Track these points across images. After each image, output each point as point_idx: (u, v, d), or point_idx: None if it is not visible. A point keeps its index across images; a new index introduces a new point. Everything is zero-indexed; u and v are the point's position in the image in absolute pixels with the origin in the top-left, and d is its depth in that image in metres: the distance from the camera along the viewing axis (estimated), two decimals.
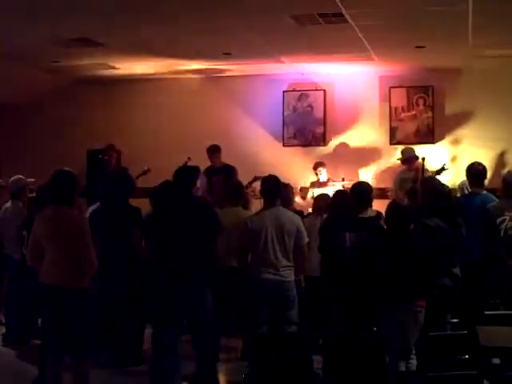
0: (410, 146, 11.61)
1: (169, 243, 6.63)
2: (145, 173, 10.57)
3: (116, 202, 7.99)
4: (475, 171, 8.04)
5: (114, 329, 7.81)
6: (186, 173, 6.96)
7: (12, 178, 9.01)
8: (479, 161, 8.32)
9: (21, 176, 8.97)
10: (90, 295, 6.34)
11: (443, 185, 7.74)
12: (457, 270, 6.87)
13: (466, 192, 8.95)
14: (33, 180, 8.90)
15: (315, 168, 11.72)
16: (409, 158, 11.13)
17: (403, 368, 6.26)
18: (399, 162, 11.35)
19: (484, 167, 8.08)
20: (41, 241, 6.30)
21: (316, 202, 8.81)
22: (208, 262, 6.68)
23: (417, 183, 9.68)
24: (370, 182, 11.71)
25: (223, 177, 11.07)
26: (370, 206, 7.41)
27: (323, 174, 11.63)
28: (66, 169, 6.90)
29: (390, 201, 7.07)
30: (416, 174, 10.42)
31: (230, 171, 11.26)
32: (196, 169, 7.17)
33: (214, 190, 11.06)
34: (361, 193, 7.30)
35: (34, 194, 8.70)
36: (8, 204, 8.98)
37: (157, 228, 6.83)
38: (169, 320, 6.56)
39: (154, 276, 6.77)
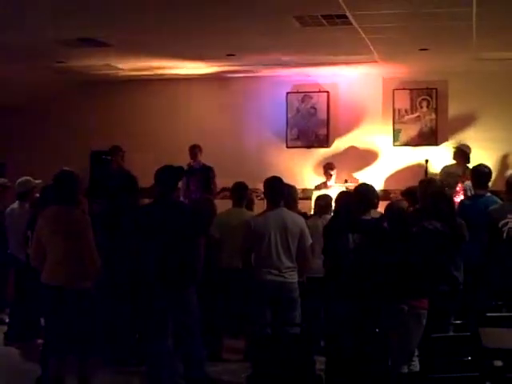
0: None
1: (147, 247, 6.54)
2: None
3: (119, 203, 8.00)
4: (480, 173, 8.03)
5: (116, 328, 7.81)
6: (167, 174, 6.74)
7: (20, 180, 8.98)
8: (484, 163, 8.32)
9: (29, 178, 8.96)
10: (93, 295, 6.35)
11: (444, 187, 7.75)
12: (458, 273, 6.86)
13: (469, 194, 8.94)
14: (40, 181, 8.86)
15: (328, 168, 11.66)
16: (458, 152, 10.79)
17: (405, 370, 6.27)
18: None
19: (489, 169, 8.06)
20: (43, 241, 6.31)
21: (317, 203, 8.81)
22: (190, 265, 6.53)
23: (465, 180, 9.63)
24: (374, 184, 11.76)
25: (200, 177, 11.19)
26: (375, 207, 7.40)
27: (334, 176, 11.61)
28: (68, 169, 6.91)
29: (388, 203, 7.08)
30: (463, 169, 10.28)
31: (207, 172, 11.34)
32: (179, 169, 7.04)
33: (191, 189, 11.15)
34: (364, 194, 7.29)
35: (37, 195, 8.69)
36: (15, 205, 8.98)
37: (134, 231, 6.71)
38: (155, 324, 6.51)
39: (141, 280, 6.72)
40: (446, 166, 10.83)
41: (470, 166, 10.59)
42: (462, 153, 10.73)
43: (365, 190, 7.40)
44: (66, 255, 6.20)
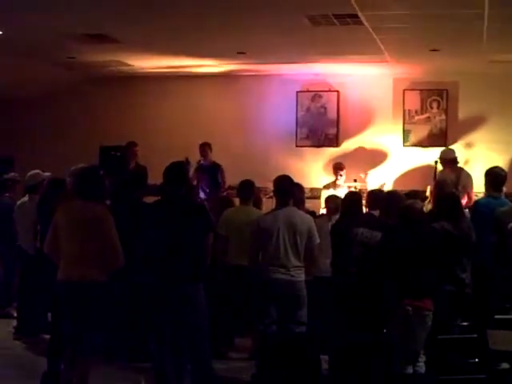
0: (443, 148, 11.31)
1: (157, 243, 6.51)
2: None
3: (127, 199, 8.01)
4: (496, 175, 7.99)
5: (125, 325, 7.82)
6: (175, 170, 6.68)
7: (30, 173, 8.99)
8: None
9: (38, 171, 8.96)
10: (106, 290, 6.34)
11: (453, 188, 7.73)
12: (465, 275, 6.85)
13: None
14: (49, 174, 8.86)
15: (337, 169, 11.62)
16: (449, 160, 10.57)
17: (410, 371, 6.26)
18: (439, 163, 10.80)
19: (506, 173, 8.01)
20: (60, 234, 6.26)
21: (327, 204, 8.81)
22: (197, 262, 6.54)
23: (458, 186, 9.61)
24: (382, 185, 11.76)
25: (210, 174, 11.22)
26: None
27: (343, 176, 11.57)
28: (94, 165, 6.87)
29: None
30: (457, 176, 10.22)
31: (217, 169, 11.37)
32: (184, 165, 7.05)
33: (200, 187, 11.19)
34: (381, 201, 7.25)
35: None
36: (25, 198, 8.97)
37: (145, 227, 6.69)
38: (165, 321, 6.50)
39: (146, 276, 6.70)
40: (442, 174, 10.48)
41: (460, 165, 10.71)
42: (445, 160, 10.60)
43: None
44: (82, 250, 6.15)
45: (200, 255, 6.44)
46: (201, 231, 6.48)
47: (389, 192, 7.57)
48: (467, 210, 8.23)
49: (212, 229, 6.75)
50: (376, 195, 7.80)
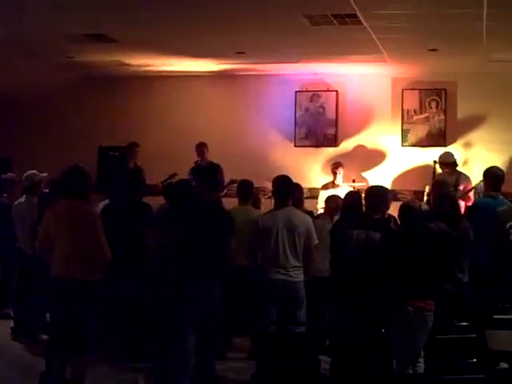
0: (447, 149, 11.43)
1: (182, 243, 6.54)
2: (172, 177, 10.39)
3: (127, 199, 8.01)
4: (494, 175, 7.98)
5: (124, 325, 7.82)
6: (212, 174, 6.87)
7: (26, 173, 8.98)
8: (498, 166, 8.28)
9: (35, 171, 8.96)
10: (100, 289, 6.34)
11: (450, 188, 7.72)
12: (463, 276, 6.85)
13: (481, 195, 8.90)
14: (46, 174, 8.86)
15: (336, 167, 11.61)
16: (448, 164, 10.67)
17: (410, 371, 6.25)
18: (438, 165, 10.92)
19: (503, 172, 8.02)
20: (51, 234, 6.29)
21: (327, 204, 8.79)
22: (220, 263, 6.58)
23: (458, 187, 9.63)
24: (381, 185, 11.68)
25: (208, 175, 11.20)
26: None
27: (341, 175, 11.57)
28: (81, 164, 6.91)
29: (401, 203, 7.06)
30: (456, 178, 10.26)
31: (215, 169, 11.34)
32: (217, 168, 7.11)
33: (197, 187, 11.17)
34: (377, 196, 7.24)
35: (46, 190, 8.67)
36: (22, 199, 8.96)
37: (172, 227, 6.72)
38: (180, 322, 6.48)
39: (163, 276, 6.69)
40: (442, 176, 10.58)
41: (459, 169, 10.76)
42: (444, 162, 10.68)
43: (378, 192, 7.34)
44: (74, 249, 6.19)
45: (221, 256, 6.48)
46: (223, 233, 6.52)
47: (372, 187, 7.51)
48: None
49: (234, 232, 6.79)
50: None
